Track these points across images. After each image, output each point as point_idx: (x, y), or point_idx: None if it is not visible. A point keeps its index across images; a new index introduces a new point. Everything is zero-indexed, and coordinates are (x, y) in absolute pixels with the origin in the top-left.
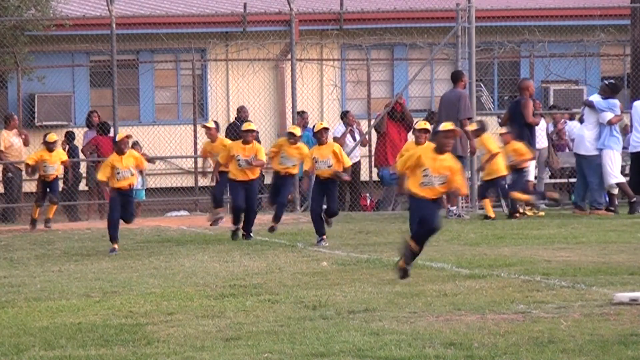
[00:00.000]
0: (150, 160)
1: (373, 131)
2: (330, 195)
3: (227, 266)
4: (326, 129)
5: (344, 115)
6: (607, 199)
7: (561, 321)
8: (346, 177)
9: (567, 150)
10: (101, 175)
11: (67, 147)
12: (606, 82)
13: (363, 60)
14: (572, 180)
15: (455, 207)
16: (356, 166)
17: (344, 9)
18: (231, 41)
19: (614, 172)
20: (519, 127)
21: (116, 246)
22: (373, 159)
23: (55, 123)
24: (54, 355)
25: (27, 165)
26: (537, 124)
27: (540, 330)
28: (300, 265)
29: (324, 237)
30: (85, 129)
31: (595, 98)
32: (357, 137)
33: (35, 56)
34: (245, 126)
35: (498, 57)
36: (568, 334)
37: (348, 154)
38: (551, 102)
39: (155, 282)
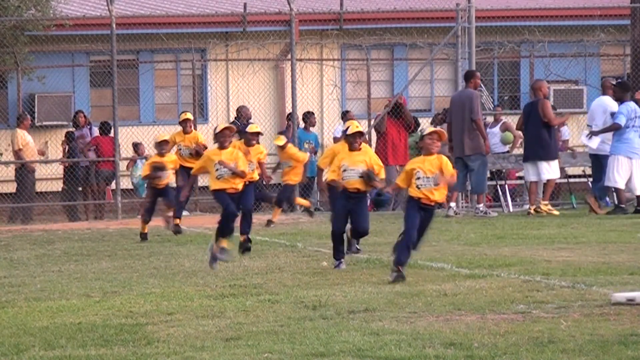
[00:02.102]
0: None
1: (373, 131)
2: (360, 211)
3: (227, 266)
4: (361, 133)
5: (345, 115)
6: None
7: (561, 321)
8: (378, 183)
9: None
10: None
11: (67, 147)
12: (613, 82)
13: (363, 60)
14: (572, 180)
15: (481, 205)
16: None
17: (344, 9)
18: (231, 41)
19: (616, 177)
20: (536, 129)
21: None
22: None
23: (55, 123)
24: (54, 355)
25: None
26: (561, 124)
27: (540, 330)
28: (300, 265)
29: (342, 260)
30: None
31: (603, 101)
32: None
33: (35, 56)
34: (251, 128)
35: (498, 57)
36: (568, 334)
37: None
38: (551, 102)
39: (155, 282)
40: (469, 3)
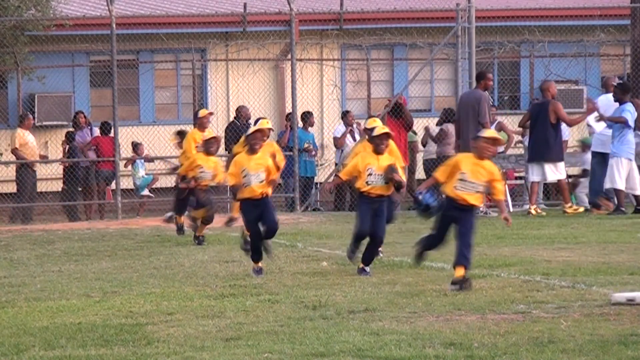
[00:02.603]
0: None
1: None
2: (379, 217)
3: (227, 266)
4: (388, 134)
5: (345, 116)
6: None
7: (561, 321)
8: (399, 178)
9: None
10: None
11: (67, 147)
12: (614, 83)
13: (363, 60)
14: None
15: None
16: None
17: (344, 9)
18: (231, 41)
19: (617, 178)
20: (544, 130)
21: (260, 265)
22: None
23: (55, 123)
24: (54, 355)
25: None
26: (577, 123)
27: (540, 330)
28: (300, 265)
29: (366, 267)
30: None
31: (610, 98)
32: (357, 137)
33: (35, 56)
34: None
35: (498, 57)
36: (568, 334)
37: (348, 154)
38: None
39: (155, 282)
40: (469, 3)
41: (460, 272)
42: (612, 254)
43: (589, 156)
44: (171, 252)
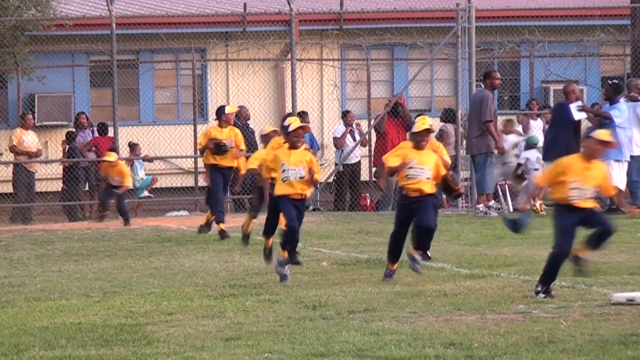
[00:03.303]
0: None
1: (373, 131)
2: (424, 206)
3: (227, 266)
4: (429, 130)
5: (345, 116)
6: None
7: (561, 321)
8: (459, 188)
9: None
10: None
11: (67, 147)
12: (609, 82)
13: (363, 60)
14: None
15: (481, 205)
16: (356, 166)
17: (344, 9)
18: (231, 41)
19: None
20: (559, 129)
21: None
22: (373, 158)
23: (55, 123)
24: (54, 355)
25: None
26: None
27: (540, 330)
28: (300, 265)
29: (393, 269)
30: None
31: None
32: (357, 137)
33: (35, 56)
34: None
35: (498, 57)
36: (568, 334)
37: (348, 154)
38: (551, 102)
39: (155, 282)
40: (469, 3)
41: None
42: (612, 254)
43: (530, 153)
44: (171, 252)
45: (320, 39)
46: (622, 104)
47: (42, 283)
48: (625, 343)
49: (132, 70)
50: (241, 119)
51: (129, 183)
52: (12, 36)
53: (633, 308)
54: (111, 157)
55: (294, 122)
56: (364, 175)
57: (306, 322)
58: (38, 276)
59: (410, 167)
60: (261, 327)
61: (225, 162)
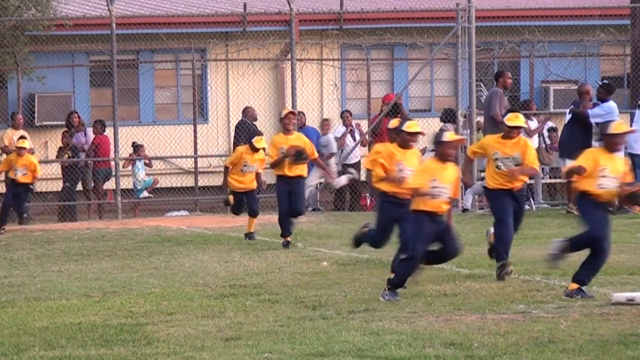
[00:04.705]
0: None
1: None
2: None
3: (227, 266)
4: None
5: (342, 115)
6: None
7: (561, 321)
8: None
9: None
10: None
11: (68, 147)
12: (600, 83)
13: (363, 60)
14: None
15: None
16: (356, 166)
17: (344, 9)
18: (231, 41)
19: None
20: (571, 128)
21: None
22: None
23: (55, 123)
24: (54, 355)
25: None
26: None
27: (540, 330)
28: (300, 265)
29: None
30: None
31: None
32: (357, 137)
33: (35, 56)
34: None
35: (498, 57)
36: (568, 334)
37: (348, 154)
38: (551, 102)
39: (155, 282)
40: (469, 3)
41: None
42: (612, 254)
43: None
44: (171, 252)
45: (320, 39)
46: (610, 103)
47: (42, 283)
48: (625, 343)
49: (132, 70)
50: (248, 119)
51: (36, 175)
52: (12, 36)
53: (633, 308)
54: (24, 143)
55: (413, 127)
56: (364, 175)
57: (306, 322)
58: (38, 276)
59: (496, 159)
60: (261, 327)
61: (297, 171)
